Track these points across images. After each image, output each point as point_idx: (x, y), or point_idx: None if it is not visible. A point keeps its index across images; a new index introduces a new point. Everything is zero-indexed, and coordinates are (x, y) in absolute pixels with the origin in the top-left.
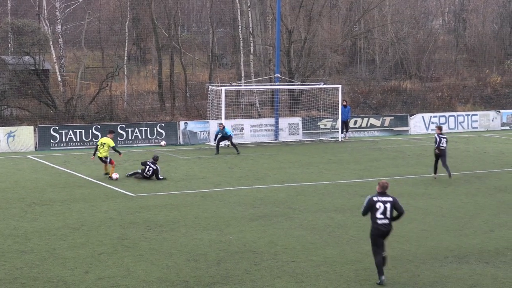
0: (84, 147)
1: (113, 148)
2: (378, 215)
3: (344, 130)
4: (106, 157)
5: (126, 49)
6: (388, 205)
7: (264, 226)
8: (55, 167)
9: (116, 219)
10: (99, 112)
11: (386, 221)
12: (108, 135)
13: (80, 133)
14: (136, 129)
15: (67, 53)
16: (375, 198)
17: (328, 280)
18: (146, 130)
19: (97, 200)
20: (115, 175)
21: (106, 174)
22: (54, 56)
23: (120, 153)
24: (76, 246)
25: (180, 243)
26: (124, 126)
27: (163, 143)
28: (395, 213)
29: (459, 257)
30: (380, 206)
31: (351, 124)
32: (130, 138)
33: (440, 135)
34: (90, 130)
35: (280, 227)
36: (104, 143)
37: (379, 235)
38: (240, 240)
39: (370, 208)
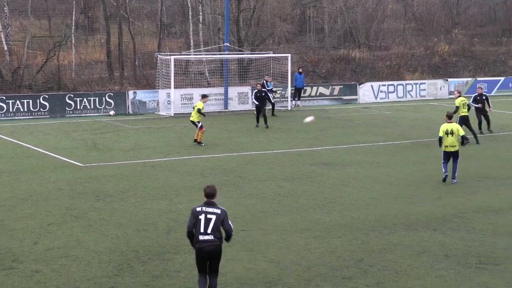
0: (32, 117)
1: (198, 110)
2: None
3: (297, 97)
4: (198, 122)
5: (73, 18)
6: None
7: None
8: (2, 137)
9: (65, 189)
10: (47, 81)
11: None
12: (202, 100)
13: (28, 103)
14: (85, 99)
15: (13, 22)
16: None
17: (278, 248)
18: (94, 100)
19: (45, 171)
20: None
21: (196, 141)
22: None
23: (204, 115)
24: (24, 217)
25: (130, 213)
26: (72, 95)
27: (112, 112)
28: None
29: (407, 224)
30: None
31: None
32: (78, 108)
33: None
34: (38, 100)
35: (230, 196)
36: (195, 107)
37: None
38: (190, 209)
39: None
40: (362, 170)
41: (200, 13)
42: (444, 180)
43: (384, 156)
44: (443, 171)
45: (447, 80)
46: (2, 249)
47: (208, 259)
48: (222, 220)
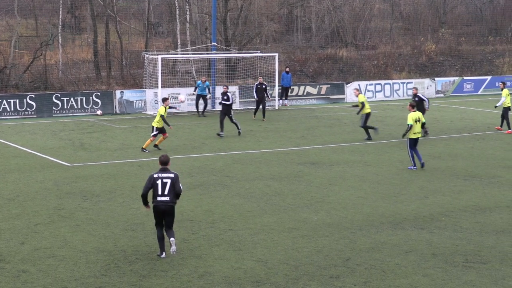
0: (18, 117)
1: (161, 117)
2: None
3: (284, 97)
4: (157, 128)
5: (60, 17)
6: None
7: (202, 195)
8: None
9: (52, 189)
10: (34, 81)
11: None
12: (163, 104)
13: (14, 102)
14: (72, 99)
15: None
16: None
17: (265, 247)
18: (82, 99)
19: (32, 171)
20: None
21: (156, 146)
22: None
23: (169, 125)
24: (11, 217)
25: (117, 213)
26: (59, 95)
27: (99, 112)
28: None
29: (394, 223)
30: None
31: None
32: (65, 107)
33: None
34: (25, 100)
35: (217, 196)
36: (157, 112)
37: None
38: (178, 209)
39: None
40: (350, 169)
41: (187, 13)
42: (423, 166)
43: (371, 155)
44: (419, 158)
45: (434, 79)
46: None
47: (163, 216)
48: (174, 182)
